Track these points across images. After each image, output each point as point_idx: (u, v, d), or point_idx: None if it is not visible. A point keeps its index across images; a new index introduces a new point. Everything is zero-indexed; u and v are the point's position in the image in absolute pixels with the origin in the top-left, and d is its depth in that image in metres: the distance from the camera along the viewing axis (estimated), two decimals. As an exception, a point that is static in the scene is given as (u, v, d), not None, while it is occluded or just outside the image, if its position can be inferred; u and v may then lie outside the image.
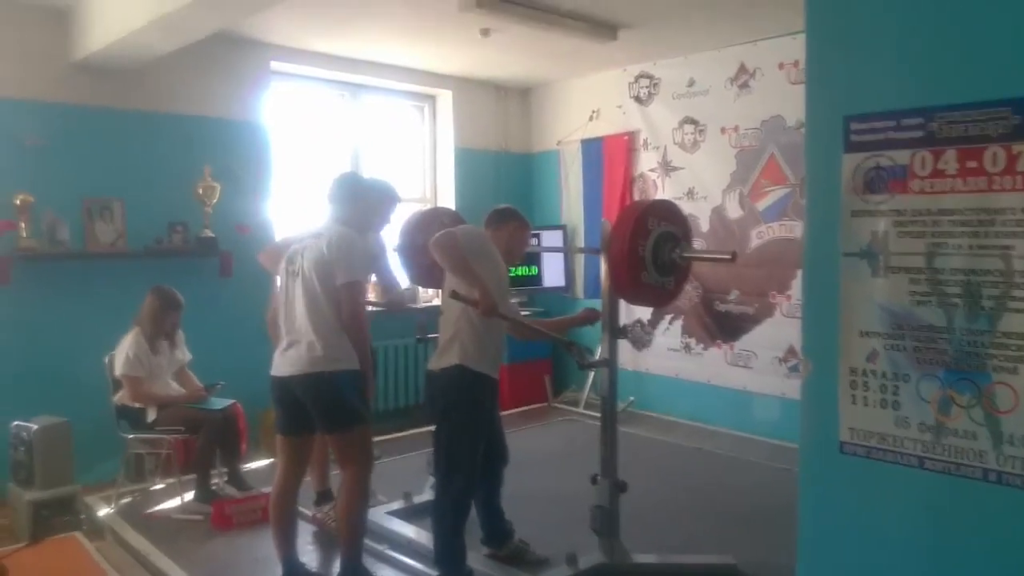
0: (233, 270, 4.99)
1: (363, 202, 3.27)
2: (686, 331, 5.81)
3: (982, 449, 1.67)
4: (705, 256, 4.23)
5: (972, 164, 1.67)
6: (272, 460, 4.97)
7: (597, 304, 3.55)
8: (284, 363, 2.97)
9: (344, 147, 5.96)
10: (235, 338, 5.04)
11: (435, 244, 2.94)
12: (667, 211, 3.32)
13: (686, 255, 3.25)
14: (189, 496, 4.10)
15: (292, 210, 5.57)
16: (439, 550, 3.04)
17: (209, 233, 4.86)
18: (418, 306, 5.74)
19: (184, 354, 4.34)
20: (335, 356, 2.91)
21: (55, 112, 4.54)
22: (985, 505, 1.66)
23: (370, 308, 3.74)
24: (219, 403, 4.23)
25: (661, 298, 3.41)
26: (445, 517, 3.03)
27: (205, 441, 4.10)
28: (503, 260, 3.16)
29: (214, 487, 4.18)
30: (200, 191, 4.83)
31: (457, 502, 3.02)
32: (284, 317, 3.04)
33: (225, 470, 4.30)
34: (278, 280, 3.19)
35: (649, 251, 3.15)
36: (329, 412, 2.96)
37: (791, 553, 1.98)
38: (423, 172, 6.55)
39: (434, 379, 3.08)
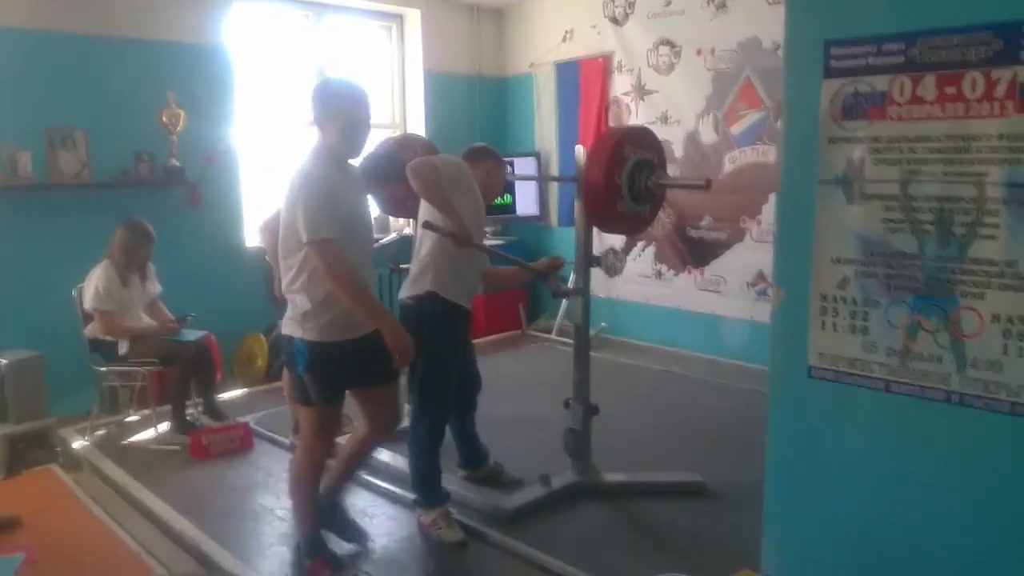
0: (201, 200, 4.89)
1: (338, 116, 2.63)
2: (658, 258, 5.84)
3: (946, 372, 1.71)
4: (680, 184, 4.21)
5: (951, 90, 1.66)
6: (248, 389, 5.01)
7: (571, 233, 3.53)
8: None
9: (309, 71, 5.77)
10: (205, 269, 4.99)
11: (413, 170, 2.86)
12: (643, 138, 3.28)
13: (662, 183, 3.23)
14: (165, 427, 4.11)
15: (257, 137, 5.44)
16: (416, 474, 3.10)
17: (176, 163, 4.73)
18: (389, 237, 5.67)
19: (155, 287, 4.28)
20: (292, 318, 2.63)
21: (12, 39, 4.33)
22: (948, 426, 1.71)
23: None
24: (192, 335, 4.20)
25: (636, 226, 3.41)
26: (421, 443, 3.07)
27: (179, 373, 4.09)
28: (482, 196, 3.12)
29: (190, 418, 4.19)
30: (165, 119, 4.68)
31: (432, 429, 3.06)
32: None
33: (200, 401, 4.30)
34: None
35: (625, 179, 3.12)
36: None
37: (758, 472, 2.04)
38: (391, 97, 6.39)
39: (406, 309, 3.06)
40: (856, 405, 1.84)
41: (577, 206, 3.30)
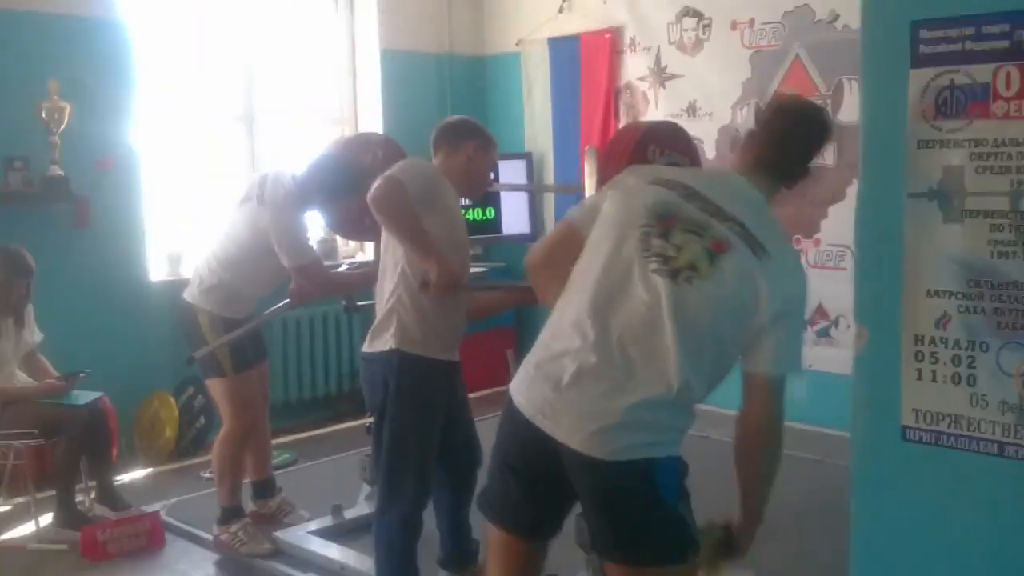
0: (92, 220, 4.92)
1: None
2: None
3: (1075, 431, 1.81)
4: None
5: (1069, 82, 1.78)
6: (153, 469, 5.01)
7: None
8: None
9: (231, 51, 5.86)
10: (98, 310, 5.00)
11: (376, 201, 2.86)
12: (671, 135, 3.38)
13: None
14: (48, 519, 4.10)
15: (164, 138, 5.50)
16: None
17: (58, 171, 4.77)
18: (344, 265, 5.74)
19: (34, 335, 4.30)
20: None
21: None
22: (1078, 498, 1.81)
23: None
24: (82, 397, 4.22)
25: None
26: (392, 537, 3.10)
27: (67, 447, 4.09)
28: (461, 192, 3.19)
29: (80, 506, 4.19)
30: (44, 115, 4.73)
31: (405, 518, 3.09)
32: None
33: (93, 484, 4.30)
34: None
35: None
36: None
37: (822, 562, 2.11)
38: (338, 84, 6.50)
39: (369, 363, 3.12)
40: (963, 473, 1.93)
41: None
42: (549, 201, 6.54)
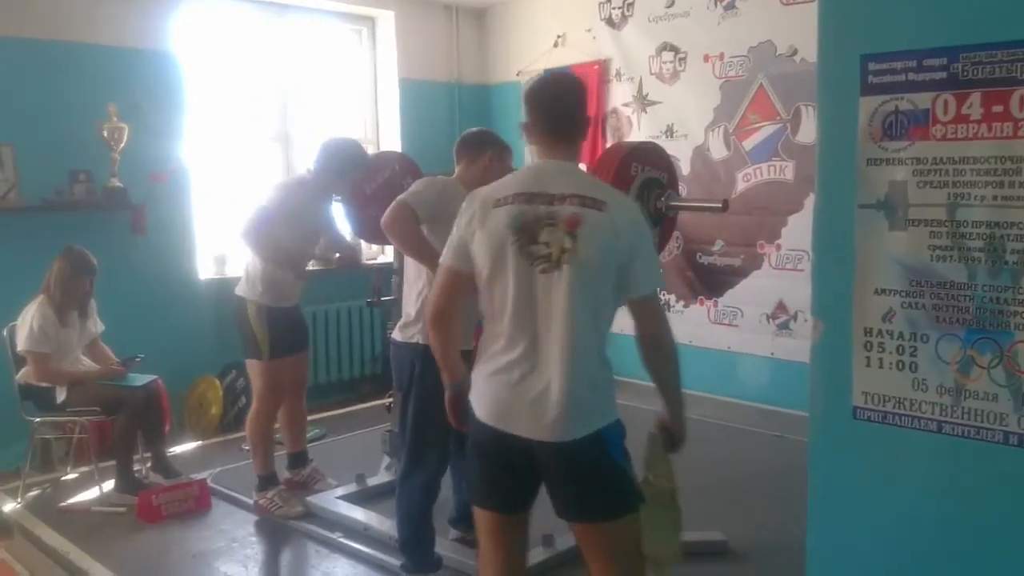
0: (147, 226, 4.93)
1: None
2: (665, 287, 5.95)
3: (1003, 412, 1.81)
4: (694, 205, 4.33)
5: (998, 108, 1.78)
6: (201, 442, 5.02)
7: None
8: None
9: (269, 79, 5.87)
10: (152, 304, 5.02)
11: (388, 226, 2.97)
12: (652, 154, 3.39)
13: (673, 204, 3.34)
14: (109, 486, 4.12)
15: (211, 154, 5.51)
16: (405, 536, 3.14)
17: (118, 183, 4.79)
18: (369, 263, 5.74)
19: (97, 325, 4.31)
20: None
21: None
22: (1007, 470, 1.81)
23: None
24: (138, 379, 4.23)
25: None
26: (413, 499, 3.11)
27: (124, 423, 4.11)
28: None
29: (137, 475, 4.20)
30: (105, 133, 4.74)
31: (427, 485, 3.10)
32: None
33: (148, 455, 4.31)
34: None
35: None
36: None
37: (786, 527, 2.12)
38: (362, 107, 6.50)
39: (398, 349, 3.13)
40: (906, 449, 1.93)
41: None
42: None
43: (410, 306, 3.12)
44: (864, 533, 1.99)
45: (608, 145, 6.04)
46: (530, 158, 2.99)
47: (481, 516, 2.25)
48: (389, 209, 2.97)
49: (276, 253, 3.75)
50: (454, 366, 2.32)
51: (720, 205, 3.39)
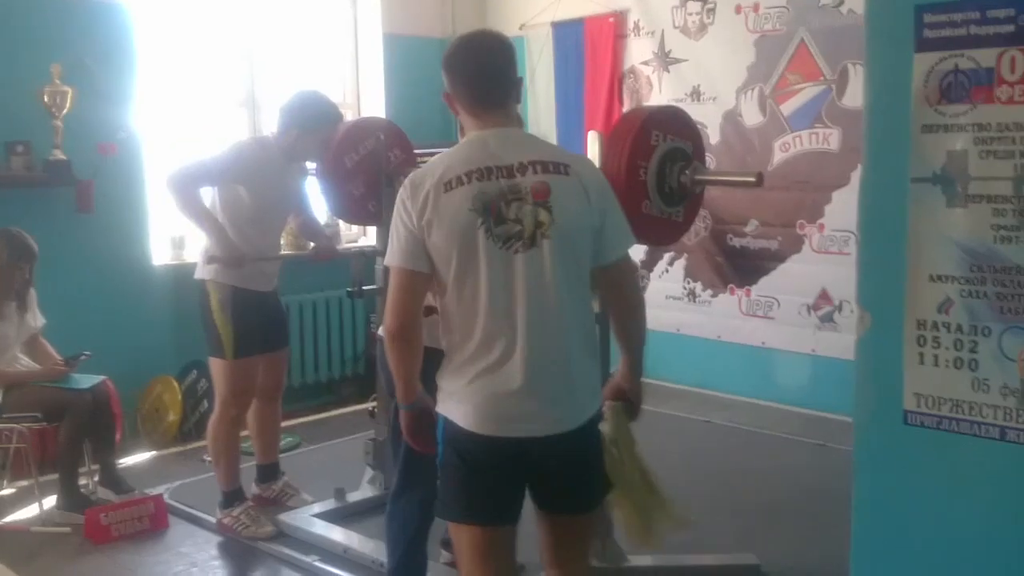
0: (95, 204, 4.93)
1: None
2: (690, 273, 5.97)
3: (1075, 416, 1.82)
4: (724, 179, 4.32)
5: (1073, 66, 1.78)
6: (156, 452, 5.04)
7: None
8: None
9: (234, 35, 5.86)
10: (101, 294, 5.03)
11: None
12: (675, 121, 3.38)
13: (699, 178, 3.34)
14: (51, 502, 4.13)
15: (167, 122, 5.51)
16: (396, 562, 3.14)
17: (61, 155, 4.79)
18: (348, 247, 5.74)
19: (37, 319, 4.33)
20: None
21: None
22: (1079, 483, 1.82)
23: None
24: (85, 381, 4.24)
25: (668, 233, 3.51)
26: (409, 519, 3.11)
27: (70, 431, 4.11)
28: None
29: (83, 489, 4.21)
30: (46, 98, 4.73)
31: (426, 500, 3.10)
32: None
33: (96, 467, 4.33)
34: None
35: (653, 174, 3.22)
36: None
37: (827, 549, 2.13)
38: (341, 68, 6.50)
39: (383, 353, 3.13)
40: (964, 457, 1.94)
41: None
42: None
43: None
44: (916, 554, 2.00)
45: (625, 110, 6.08)
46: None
47: (468, 534, 2.25)
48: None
49: (199, 214, 3.71)
50: (413, 381, 2.31)
51: (754, 179, 3.38)
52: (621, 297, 2.32)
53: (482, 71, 2.25)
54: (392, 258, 2.22)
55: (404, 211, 2.19)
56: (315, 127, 3.81)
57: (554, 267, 2.13)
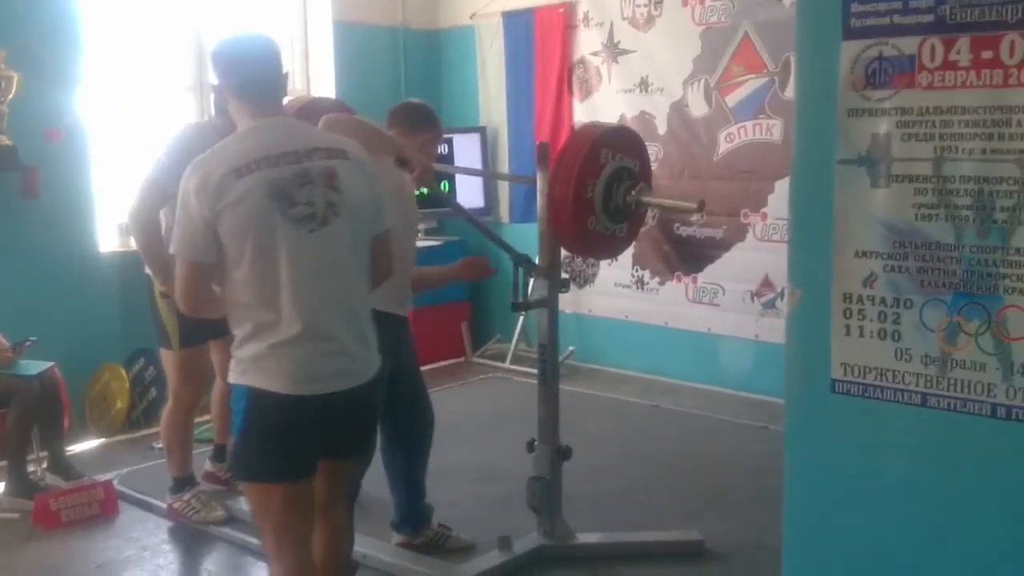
0: (40, 189, 4.91)
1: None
2: (638, 262, 6.06)
3: (991, 382, 1.94)
4: (667, 204, 4.34)
5: (987, 54, 1.90)
6: (104, 439, 5.04)
7: (527, 231, 3.74)
8: None
9: (182, 19, 5.85)
10: (48, 281, 5.00)
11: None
12: (625, 140, 3.50)
13: (645, 199, 3.44)
14: (-1, 489, 4.13)
15: (114, 108, 5.49)
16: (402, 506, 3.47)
17: (6, 140, 4.76)
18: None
19: (-18, 304, 4.30)
20: None
21: None
22: (994, 444, 1.94)
23: None
24: (32, 367, 4.23)
25: (610, 248, 3.67)
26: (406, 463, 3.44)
27: (17, 417, 4.10)
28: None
29: (32, 476, 4.21)
30: (-9, 84, 4.71)
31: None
32: None
33: (45, 454, 4.33)
34: None
35: (600, 192, 3.33)
36: None
37: (768, 525, 2.24)
38: (290, 55, 6.49)
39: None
40: (888, 423, 2.06)
41: (540, 210, 3.48)
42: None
43: None
44: (844, 515, 2.12)
45: (575, 100, 6.18)
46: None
47: (277, 492, 2.43)
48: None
49: (157, 267, 3.62)
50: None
51: (696, 206, 3.52)
52: (381, 267, 2.59)
53: (260, 66, 2.44)
54: (181, 250, 2.35)
55: (194, 202, 2.30)
56: None
57: (345, 242, 2.39)
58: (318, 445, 2.46)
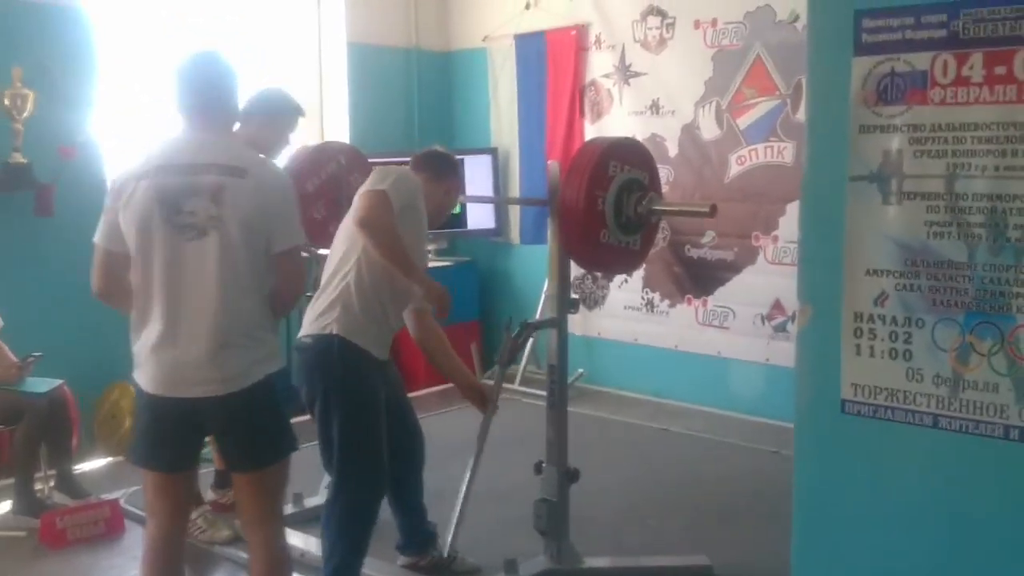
0: (54, 207, 4.92)
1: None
2: (648, 284, 6.04)
3: (1004, 403, 1.91)
4: (679, 210, 4.34)
5: (1001, 70, 1.88)
6: (112, 459, 5.01)
7: (536, 252, 3.72)
8: None
9: (195, 41, 5.87)
10: (59, 298, 4.99)
11: (367, 223, 2.97)
12: (632, 152, 3.49)
13: (656, 207, 3.42)
14: (6, 507, 4.11)
15: (125, 127, 5.50)
16: (331, 570, 3.14)
17: (21, 158, 4.77)
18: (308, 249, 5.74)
19: (-7, 320, 4.30)
20: None
21: None
22: (1007, 467, 1.90)
23: None
24: (41, 384, 4.22)
25: (625, 261, 3.64)
26: (342, 528, 3.13)
27: (25, 435, 4.10)
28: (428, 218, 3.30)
29: (39, 494, 4.19)
30: (7, 101, 4.72)
31: (358, 508, 3.13)
32: None
33: (52, 472, 4.31)
34: None
35: (611, 204, 3.31)
36: None
37: (778, 550, 2.20)
38: (304, 77, 6.52)
39: (306, 351, 3.13)
40: (899, 444, 2.02)
41: (551, 228, 3.47)
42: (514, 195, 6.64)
43: (327, 289, 3.14)
44: (853, 537, 2.08)
45: (587, 122, 6.18)
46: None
47: (152, 477, 2.67)
48: (366, 202, 2.99)
49: None
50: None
51: (707, 210, 3.50)
52: (283, 288, 2.65)
53: (195, 80, 2.60)
54: (97, 236, 2.64)
55: (110, 195, 2.59)
56: (278, 113, 3.81)
57: (218, 256, 2.48)
58: (188, 445, 2.66)
